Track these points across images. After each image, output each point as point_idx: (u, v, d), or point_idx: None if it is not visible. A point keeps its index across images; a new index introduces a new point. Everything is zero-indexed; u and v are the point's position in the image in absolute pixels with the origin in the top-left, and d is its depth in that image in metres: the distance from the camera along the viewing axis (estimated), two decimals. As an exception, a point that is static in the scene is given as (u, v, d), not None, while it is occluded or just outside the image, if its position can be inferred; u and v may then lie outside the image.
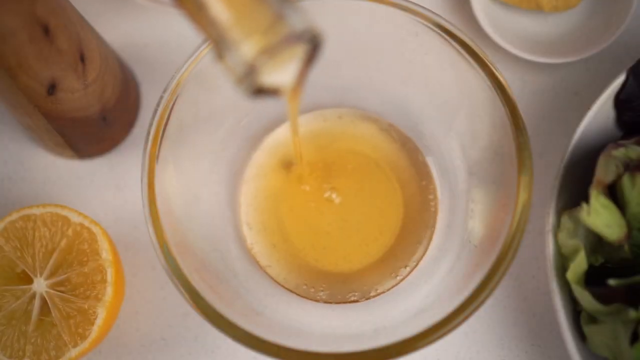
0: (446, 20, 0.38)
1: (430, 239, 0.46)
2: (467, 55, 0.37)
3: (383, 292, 0.45)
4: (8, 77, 0.39)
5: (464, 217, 0.44)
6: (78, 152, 0.49)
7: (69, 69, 0.41)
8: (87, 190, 0.50)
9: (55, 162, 0.50)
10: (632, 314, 0.38)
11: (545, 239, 0.42)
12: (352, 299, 0.45)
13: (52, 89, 0.41)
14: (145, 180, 0.37)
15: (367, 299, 0.45)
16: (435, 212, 0.46)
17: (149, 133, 0.37)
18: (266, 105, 0.46)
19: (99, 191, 0.50)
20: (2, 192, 0.50)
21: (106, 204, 0.49)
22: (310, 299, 0.45)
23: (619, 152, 0.41)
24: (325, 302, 0.45)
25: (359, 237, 0.46)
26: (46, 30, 0.38)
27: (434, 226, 0.46)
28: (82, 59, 0.42)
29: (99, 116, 0.46)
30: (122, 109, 0.48)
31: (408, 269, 0.46)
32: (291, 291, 0.45)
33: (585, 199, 0.41)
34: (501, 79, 0.37)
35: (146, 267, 0.49)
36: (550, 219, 0.42)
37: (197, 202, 0.42)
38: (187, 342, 0.48)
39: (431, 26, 0.38)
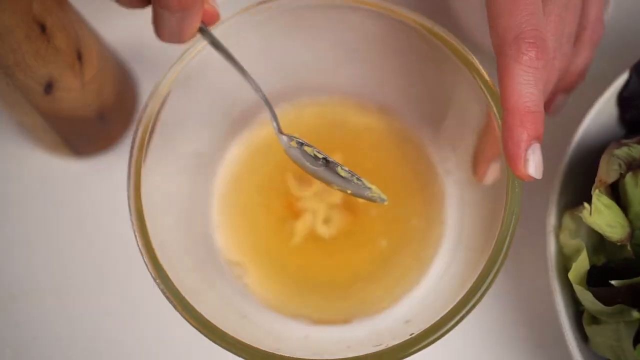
0: (430, 21, 0.38)
1: (435, 240, 0.46)
2: (452, 56, 0.38)
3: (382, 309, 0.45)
4: (5, 75, 0.38)
5: (456, 219, 0.44)
6: (75, 150, 0.49)
7: (67, 67, 0.41)
8: (84, 188, 0.50)
9: (53, 160, 0.50)
10: (635, 314, 0.38)
11: (546, 239, 0.42)
12: (351, 319, 0.45)
13: (49, 87, 0.41)
14: (132, 192, 0.37)
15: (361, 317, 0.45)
16: (441, 210, 0.46)
17: (134, 142, 0.38)
18: (252, 106, 0.46)
19: (96, 189, 0.50)
20: (1, 191, 0.50)
21: (103, 202, 0.49)
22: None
23: (622, 151, 0.41)
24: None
25: (350, 241, 0.46)
26: (43, 29, 0.38)
27: (442, 223, 0.46)
28: (80, 57, 0.42)
29: (96, 115, 0.46)
30: (120, 107, 0.48)
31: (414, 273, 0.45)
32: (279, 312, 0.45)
33: (588, 198, 0.41)
34: (487, 77, 0.38)
35: (145, 265, 0.48)
36: (552, 219, 0.41)
37: (184, 210, 0.43)
38: (186, 340, 0.48)
39: (416, 27, 0.38)
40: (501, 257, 0.35)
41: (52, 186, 0.50)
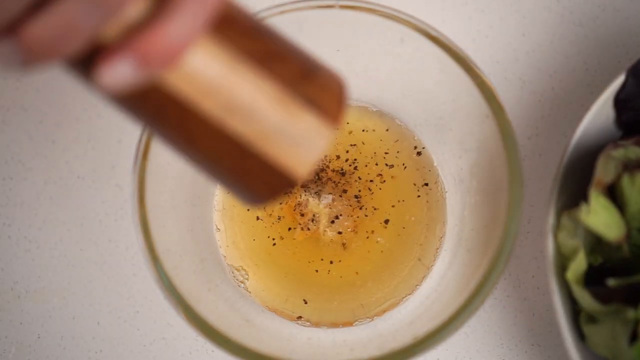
0: (432, 27, 0.38)
1: (436, 241, 0.46)
2: (453, 61, 0.38)
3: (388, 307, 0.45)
4: None
5: (457, 220, 0.44)
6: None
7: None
8: (88, 189, 0.50)
9: (57, 161, 0.50)
10: (631, 313, 0.38)
11: (544, 239, 0.42)
12: (354, 321, 0.45)
13: None
14: (137, 202, 0.37)
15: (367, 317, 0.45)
16: (441, 211, 0.46)
17: (137, 151, 0.38)
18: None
19: (99, 191, 0.50)
20: (4, 192, 0.50)
21: (107, 203, 0.49)
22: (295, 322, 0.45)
23: (618, 153, 0.41)
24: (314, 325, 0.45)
25: (351, 243, 0.46)
26: None
27: (443, 224, 0.46)
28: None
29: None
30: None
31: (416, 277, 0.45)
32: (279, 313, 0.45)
33: (585, 199, 0.41)
34: (487, 82, 0.38)
35: (147, 266, 0.49)
36: (550, 219, 0.42)
37: (186, 214, 0.43)
38: (188, 341, 0.48)
39: (417, 32, 0.38)
40: (505, 259, 0.35)
41: (56, 187, 0.50)
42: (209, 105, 0.27)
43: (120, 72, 0.25)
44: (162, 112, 0.27)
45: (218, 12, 0.27)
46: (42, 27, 0.24)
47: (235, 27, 0.27)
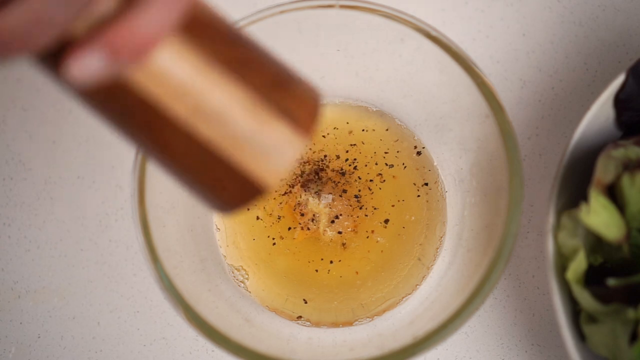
0: (432, 27, 0.38)
1: (435, 242, 0.46)
2: (453, 62, 0.38)
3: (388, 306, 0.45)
4: None
5: (456, 220, 0.44)
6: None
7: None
8: (88, 189, 0.50)
9: (57, 161, 0.50)
10: (631, 313, 0.38)
11: (544, 239, 0.42)
12: (354, 321, 0.45)
13: None
14: (137, 202, 0.37)
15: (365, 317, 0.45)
16: (442, 211, 0.46)
17: (137, 152, 0.38)
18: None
19: (99, 191, 0.50)
20: (4, 192, 0.50)
21: (107, 204, 0.49)
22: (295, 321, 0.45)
23: (618, 153, 0.41)
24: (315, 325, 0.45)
25: (351, 243, 0.46)
26: None
27: (443, 224, 0.46)
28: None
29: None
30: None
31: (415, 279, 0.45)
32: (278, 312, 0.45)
33: (585, 199, 0.41)
34: (487, 83, 0.38)
35: (147, 266, 0.49)
36: (550, 219, 0.42)
37: (186, 214, 0.43)
38: (188, 341, 0.48)
39: (417, 33, 0.38)
40: (505, 259, 0.36)
41: (56, 187, 0.50)
42: (177, 108, 0.27)
43: (88, 65, 0.25)
44: (129, 112, 0.27)
45: (190, 13, 0.27)
46: (11, 21, 0.24)
47: (209, 32, 0.27)
